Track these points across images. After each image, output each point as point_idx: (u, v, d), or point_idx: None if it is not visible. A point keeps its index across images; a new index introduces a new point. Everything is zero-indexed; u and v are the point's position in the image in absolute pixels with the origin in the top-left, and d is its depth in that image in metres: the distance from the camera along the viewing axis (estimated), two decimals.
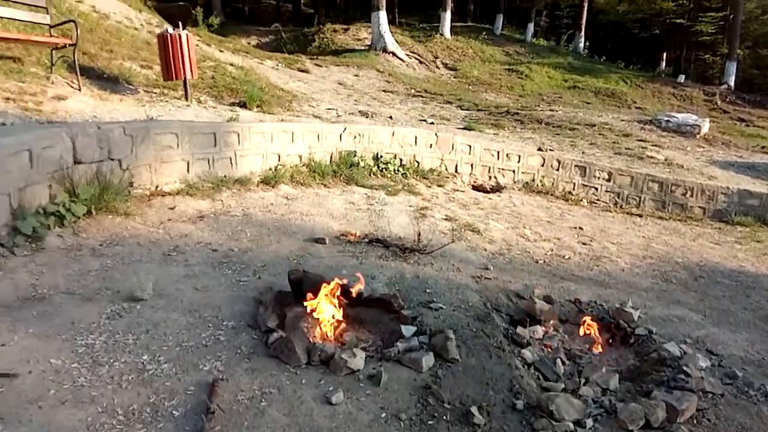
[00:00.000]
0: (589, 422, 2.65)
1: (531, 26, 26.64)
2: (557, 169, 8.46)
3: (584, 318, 3.82)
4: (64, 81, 7.37)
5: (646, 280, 4.97)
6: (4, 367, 2.51)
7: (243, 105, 8.88)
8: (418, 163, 7.87)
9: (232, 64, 11.84)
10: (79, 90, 7.20)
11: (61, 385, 2.44)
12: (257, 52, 17.10)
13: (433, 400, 2.66)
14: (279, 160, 6.44)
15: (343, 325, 3.35)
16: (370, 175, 7.28)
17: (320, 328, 3.23)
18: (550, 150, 10.02)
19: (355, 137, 7.27)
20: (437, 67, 21.46)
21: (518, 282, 4.43)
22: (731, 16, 24.54)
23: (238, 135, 5.92)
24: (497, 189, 8.16)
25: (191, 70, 8.00)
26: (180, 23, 8.07)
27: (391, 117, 11.75)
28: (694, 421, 2.76)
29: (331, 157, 7.04)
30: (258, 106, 9.02)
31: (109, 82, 8.24)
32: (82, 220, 4.34)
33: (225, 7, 29.62)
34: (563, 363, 3.35)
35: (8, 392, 2.36)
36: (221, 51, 14.29)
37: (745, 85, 25.42)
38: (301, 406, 2.49)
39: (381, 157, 7.53)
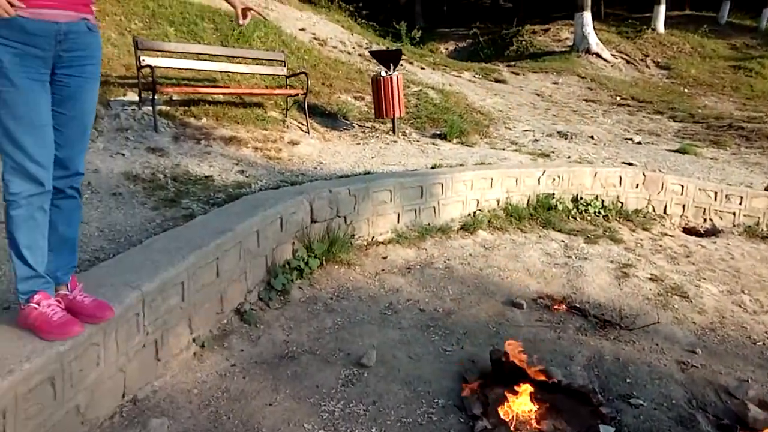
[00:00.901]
0: None
1: (767, 11, 23.04)
2: None
3: None
4: (296, 124, 8.59)
5: None
6: (272, 427, 3.27)
7: (443, 137, 9.40)
8: (622, 203, 7.61)
9: (432, 88, 12.46)
10: (308, 133, 8.34)
11: None
12: (455, 63, 17.61)
13: None
14: (477, 206, 6.80)
15: (541, 412, 3.60)
16: (568, 218, 7.27)
17: (520, 416, 3.52)
18: None
19: (553, 180, 7.30)
20: (647, 66, 19.88)
21: (730, 373, 4.20)
22: None
23: (442, 185, 6.40)
24: (712, 233, 7.52)
25: (399, 109, 8.70)
26: (392, 65, 8.82)
27: (592, 137, 11.40)
28: None
29: (528, 200, 7.19)
30: (457, 137, 9.46)
31: (329, 118, 9.34)
32: (316, 272, 5.18)
33: (424, 9, 30.68)
34: None
35: None
36: (422, 68, 15.06)
37: None
38: None
39: (581, 198, 7.45)
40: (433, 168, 7.29)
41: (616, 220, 7.44)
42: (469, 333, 4.48)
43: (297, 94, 8.45)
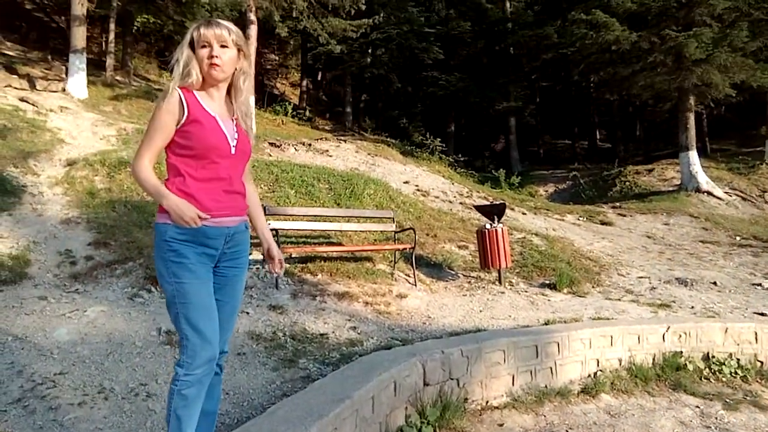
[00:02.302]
0: None
1: None
2: None
3: None
4: (403, 277, 8.85)
5: None
6: None
7: (553, 286, 9.22)
8: (761, 363, 6.85)
9: (536, 234, 12.50)
10: (415, 285, 8.53)
11: None
12: (556, 206, 17.71)
13: None
14: (597, 366, 6.41)
15: None
16: (700, 379, 6.62)
17: None
18: None
19: (680, 336, 6.80)
20: (766, 202, 18.81)
21: None
22: None
23: (558, 344, 6.17)
24: None
25: (506, 260, 8.76)
26: (495, 217, 9.06)
27: (715, 283, 10.67)
28: None
29: (653, 359, 6.69)
30: (567, 286, 9.23)
31: (435, 268, 9.55)
32: None
33: (521, 154, 31.67)
34: None
35: None
36: (523, 213, 15.26)
37: None
38: None
39: (713, 357, 6.82)
40: (546, 324, 7.09)
41: (756, 382, 6.66)
42: None
43: (405, 249, 8.83)
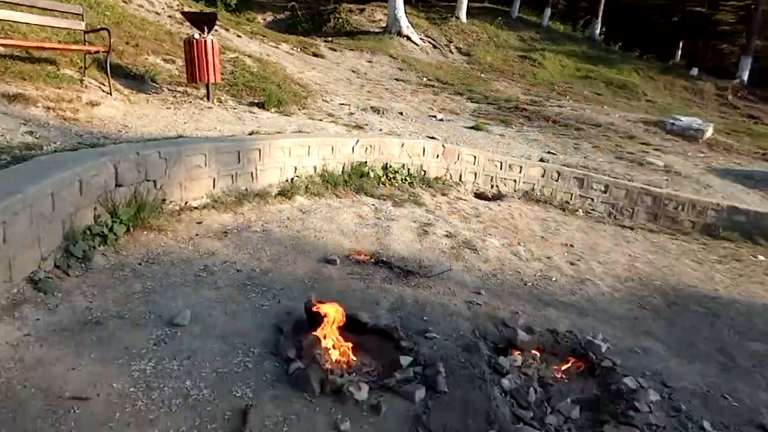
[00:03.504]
0: None
1: (548, 10, 26.52)
2: (556, 180, 8.94)
3: (559, 349, 4.41)
4: (96, 84, 7.88)
5: (622, 307, 5.53)
6: (76, 390, 3.13)
7: (262, 105, 9.36)
8: (425, 171, 8.38)
9: (250, 56, 12.23)
10: (110, 94, 7.71)
11: (124, 409, 3.05)
12: (273, 34, 17.41)
13: (422, 429, 3.26)
14: (295, 172, 6.97)
15: (351, 352, 3.95)
16: (378, 184, 7.80)
17: (331, 357, 3.83)
18: (552, 153, 10.48)
19: (366, 149, 7.76)
20: (450, 51, 21.66)
21: (506, 308, 5.00)
22: (753, 7, 24.26)
23: (260, 151, 6.44)
24: (498, 197, 8.67)
25: (214, 75, 8.46)
26: (206, 27, 8.49)
27: (401, 113, 12.19)
28: None
29: (343, 167, 7.56)
30: (275, 106, 9.48)
31: (136, 80, 8.73)
32: (122, 238, 4.92)
33: None
34: (536, 391, 3.94)
35: (83, 414, 2.98)
36: (239, 36, 14.65)
37: (764, 81, 25.30)
38: None
39: (390, 166, 8.04)
40: (250, 134, 7.27)
41: (419, 186, 8.18)
42: (285, 289, 4.67)
43: (97, 52, 7.73)
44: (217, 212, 5.86)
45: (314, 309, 4.04)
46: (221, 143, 6.16)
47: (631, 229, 8.36)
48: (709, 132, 13.81)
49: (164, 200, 5.53)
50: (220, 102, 9.17)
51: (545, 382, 4.12)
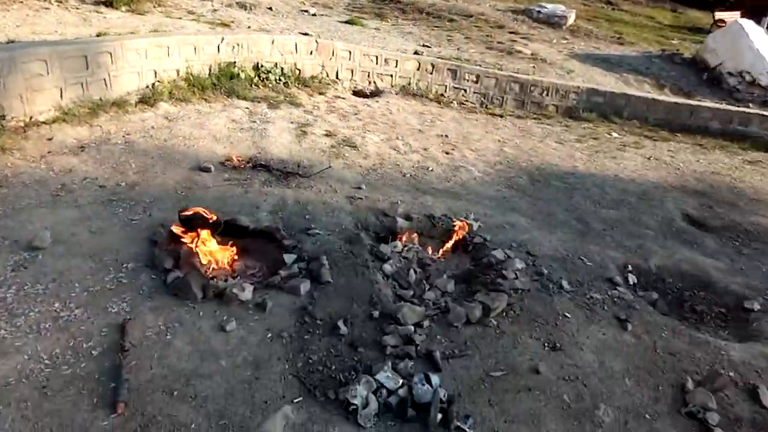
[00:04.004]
0: (426, 323, 3.52)
1: None
2: (431, 73, 9.02)
3: (436, 232, 4.68)
4: None
5: (492, 188, 5.90)
6: None
7: (110, 4, 8.37)
8: (300, 70, 8.06)
9: None
10: None
11: None
12: None
13: (309, 318, 3.38)
14: (156, 77, 6.41)
15: (233, 256, 3.92)
16: (251, 86, 7.42)
17: (212, 263, 3.77)
18: (426, 46, 10.50)
19: (233, 47, 7.27)
20: None
21: (387, 200, 5.15)
22: None
23: (111, 55, 5.81)
24: (376, 93, 8.63)
25: None
26: None
27: (270, 8, 11.48)
28: (504, 315, 3.73)
29: (210, 69, 7.06)
30: (126, 4, 8.51)
31: None
32: None
33: None
34: (415, 272, 4.19)
35: None
36: None
37: None
38: (200, 335, 3.10)
39: (262, 66, 7.63)
40: (98, 36, 6.50)
41: (295, 86, 7.90)
42: (156, 201, 4.44)
43: None
44: (70, 126, 5.31)
45: (189, 217, 3.90)
46: (64, 47, 5.46)
47: (501, 116, 8.76)
48: (572, 18, 14.46)
49: (3, 116, 4.90)
50: (60, 2, 8.03)
51: (424, 263, 4.38)
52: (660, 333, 3.76)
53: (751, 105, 10.57)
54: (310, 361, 3.07)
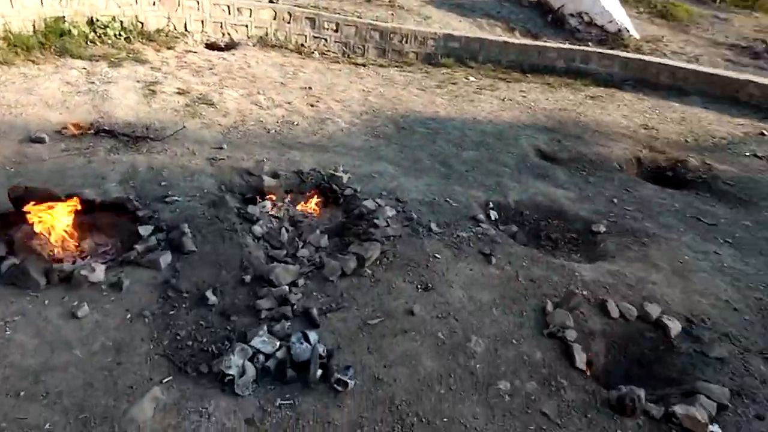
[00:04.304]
0: (302, 281, 3.46)
1: None
2: (289, 22, 8.66)
3: (305, 187, 4.58)
4: None
5: (359, 138, 5.87)
6: None
7: None
8: (142, 23, 7.34)
9: None
10: None
11: None
12: None
13: (173, 292, 3.18)
14: None
15: (79, 235, 3.54)
16: (86, 43, 6.64)
17: (54, 244, 3.38)
18: None
19: (60, 0, 6.40)
20: None
21: (251, 158, 4.93)
22: None
23: None
24: (232, 46, 8.13)
25: None
26: None
27: None
28: (377, 263, 3.78)
29: (34, 26, 6.18)
30: None
31: None
32: None
33: None
34: (287, 230, 4.09)
35: None
36: None
37: None
38: (47, 326, 2.79)
39: (97, 20, 6.83)
40: None
41: (139, 41, 7.20)
42: None
43: None
44: None
45: (22, 196, 3.44)
46: None
47: (364, 65, 8.70)
48: None
49: None
50: None
51: (296, 220, 4.28)
52: (521, 263, 4.03)
53: (590, 44, 11.46)
54: (179, 337, 2.90)
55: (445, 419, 2.70)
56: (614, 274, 4.00)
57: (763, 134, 7.23)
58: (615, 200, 5.21)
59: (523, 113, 7.47)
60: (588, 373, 3.22)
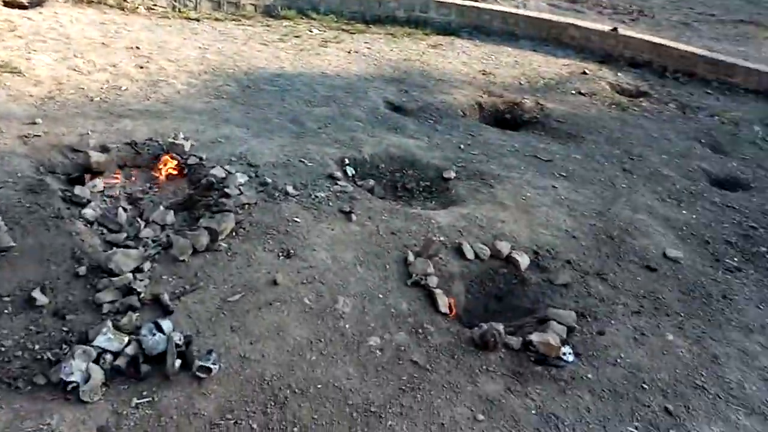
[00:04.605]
0: (147, 265, 3.16)
1: None
2: None
3: (142, 159, 4.15)
4: None
5: (200, 101, 5.44)
6: None
7: None
8: None
9: None
10: None
11: None
12: None
13: None
14: None
15: None
16: None
17: None
18: None
19: None
20: None
21: (73, 132, 4.34)
22: None
23: None
24: (38, 3, 7.05)
25: None
26: None
27: None
28: (233, 234, 3.57)
29: None
30: None
31: None
32: None
33: None
34: (125, 210, 3.70)
35: None
36: None
37: None
38: None
39: None
40: None
41: None
42: None
43: None
44: None
45: None
46: None
47: (198, 20, 8.01)
48: None
49: None
50: None
51: (134, 197, 3.89)
52: (380, 216, 4.05)
53: None
54: (3, 348, 2.50)
55: (319, 386, 2.67)
56: (466, 218, 4.18)
57: (585, 73, 7.91)
58: (462, 146, 5.41)
59: (369, 65, 7.42)
60: (451, 316, 3.36)
